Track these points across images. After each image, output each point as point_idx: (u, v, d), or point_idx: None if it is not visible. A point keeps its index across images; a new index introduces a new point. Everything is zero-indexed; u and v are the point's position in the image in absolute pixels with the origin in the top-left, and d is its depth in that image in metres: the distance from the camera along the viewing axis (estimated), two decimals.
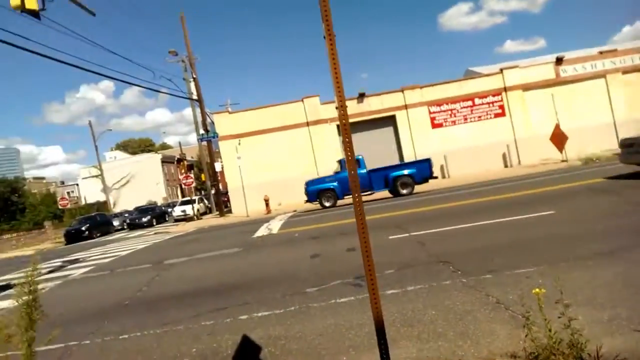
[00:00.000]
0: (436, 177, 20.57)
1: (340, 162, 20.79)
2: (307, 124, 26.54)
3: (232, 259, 10.03)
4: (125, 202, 54.49)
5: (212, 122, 28.02)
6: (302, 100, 26.68)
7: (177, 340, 4.99)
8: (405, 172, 19.48)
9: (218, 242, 13.73)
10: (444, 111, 26.75)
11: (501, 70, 27.00)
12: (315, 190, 20.13)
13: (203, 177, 34.64)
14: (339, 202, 20.15)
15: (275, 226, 15.19)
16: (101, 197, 53.45)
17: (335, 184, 19.96)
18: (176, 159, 66.50)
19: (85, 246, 21.99)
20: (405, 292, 5.32)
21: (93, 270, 11.89)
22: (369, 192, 19.55)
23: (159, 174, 65.40)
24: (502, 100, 26.72)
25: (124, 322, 6.12)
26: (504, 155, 26.37)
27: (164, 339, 5.14)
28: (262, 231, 14.25)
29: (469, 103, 26.73)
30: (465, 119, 26.72)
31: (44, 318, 3.17)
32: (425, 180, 19.69)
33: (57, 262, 14.98)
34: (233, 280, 7.71)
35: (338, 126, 25.85)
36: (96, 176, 50.18)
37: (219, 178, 31.12)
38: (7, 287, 10.61)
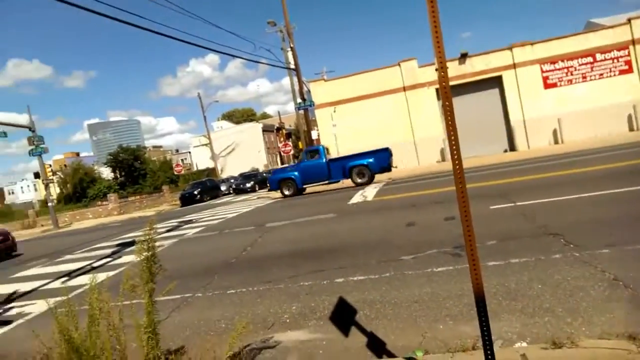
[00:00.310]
0: (395, 167, 20.50)
1: (304, 152, 21.37)
2: (404, 88, 25.74)
3: (328, 224, 10.28)
4: (231, 168, 58.24)
5: (309, 91, 28.43)
6: (399, 64, 25.84)
7: (278, 298, 5.29)
8: (362, 162, 19.55)
9: (315, 208, 14.13)
10: (559, 69, 24.14)
11: (629, 20, 23.47)
12: (276, 180, 20.88)
13: (300, 144, 35.62)
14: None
15: (370, 193, 15.20)
16: (210, 164, 57.77)
17: (295, 173, 20.38)
18: (275, 127, 69.10)
19: (197, 208, 24.04)
20: (508, 264, 5.02)
21: (204, 230, 12.98)
22: (326, 182, 20.08)
23: (260, 142, 68.55)
24: (629, 55, 23.35)
25: (231, 278, 6.64)
26: (629, 117, 23.25)
27: (267, 295, 5.48)
28: (357, 198, 14.35)
29: (589, 59, 23.77)
30: (584, 77, 23.89)
31: (163, 272, 3.53)
32: (384, 170, 19.63)
33: (173, 222, 16.60)
34: (329, 244, 7.91)
35: (437, 90, 24.70)
36: (205, 145, 54.20)
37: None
38: (133, 243, 12.03)
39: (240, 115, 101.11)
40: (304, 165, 20.33)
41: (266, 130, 71.23)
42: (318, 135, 29.25)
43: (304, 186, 20.41)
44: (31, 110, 28.26)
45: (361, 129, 25.88)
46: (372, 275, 5.51)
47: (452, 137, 2.74)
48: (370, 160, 19.58)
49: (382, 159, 19.51)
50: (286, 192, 20.46)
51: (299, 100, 27.52)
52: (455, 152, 2.76)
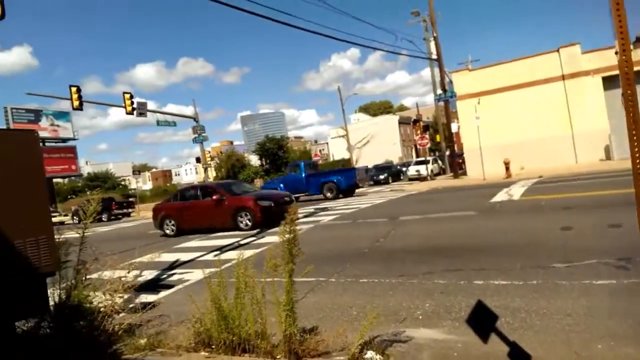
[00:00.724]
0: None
1: (289, 165, 25.62)
2: (563, 77, 22.98)
3: (466, 222, 9.72)
4: (365, 160, 58.97)
5: (450, 82, 27.17)
6: (558, 50, 23.12)
7: (411, 293, 5.15)
8: (332, 179, 22.62)
9: (451, 204, 13.50)
10: None
11: None
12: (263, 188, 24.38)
13: (438, 138, 34.35)
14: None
15: (516, 192, 13.97)
16: (346, 155, 59.27)
17: (281, 185, 23.45)
18: (412, 120, 67.70)
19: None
20: None
21: (338, 218, 13.34)
22: (305, 194, 23.26)
23: (396, 134, 67.99)
24: None
25: (363, 267, 6.69)
26: None
27: (399, 288, 5.39)
28: (500, 196, 13.31)
29: None
30: None
31: (302, 255, 3.69)
32: (352, 188, 22.72)
33: (310, 209, 17.41)
34: (468, 243, 7.47)
35: (603, 79, 21.54)
36: (342, 136, 55.74)
37: (454, 139, 30.31)
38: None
39: (377, 108, 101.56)
40: (288, 178, 24.22)
41: (402, 122, 70.31)
42: (458, 128, 27.87)
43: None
44: (195, 104, 32.31)
45: (508, 122, 23.88)
46: (516, 281, 5.03)
47: (634, 132, 2.31)
48: (339, 178, 22.65)
49: (349, 178, 22.65)
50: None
51: (439, 91, 26.50)
52: (637, 148, 2.32)
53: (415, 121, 44.86)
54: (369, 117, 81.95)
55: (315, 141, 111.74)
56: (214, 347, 3.97)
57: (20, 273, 3.43)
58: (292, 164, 26.27)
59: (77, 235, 4.43)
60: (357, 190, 23.71)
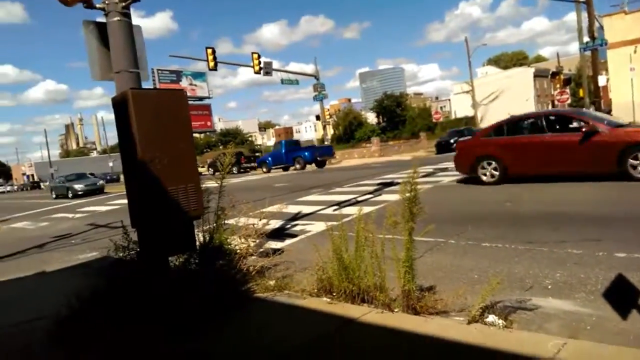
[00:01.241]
0: (321, 160, 29.42)
1: (275, 143, 35.66)
2: None
3: (610, 189, 8.66)
4: (492, 117, 54.93)
5: (601, 27, 23.58)
6: None
7: (540, 261, 4.84)
8: (300, 154, 29.46)
9: None
10: None
11: None
12: (260, 161, 33.20)
13: (581, 92, 30.44)
14: None
15: None
16: (470, 112, 55.86)
17: (269, 158, 31.66)
18: (551, 72, 60.83)
19: (452, 157, 23.85)
20: None
21: (458, 180, 12.84)
22: (285, 166, 30.12)
23: (530, 89, 61.79)
24: None
25: (486, 231, 6.41)
26: None
27: (525, 255, 5.09)
28: None
29: None
30: None
31: (422, 214, 3.67)
32: (316, 161, 29.08)
33: (428, 169, 16.98)
34: (611, 212, 6.70)
35: None
36: (467, 92, 52.39)
37: (601, 94, 26.57)
38: (391, 184, 12.91)
39: (509, 60, 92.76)
40: (273, 152, 32.40)
41: (538, 75, 63.49)
42: (607, 82, 24.37)
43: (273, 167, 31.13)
44: (316, 62, 32.87)
45: None
46: None
47: None
48: (305, 153, 29.48)
49: (312, 154, 29.35)
50: (264, 169, 31.77)
51: (586, 39, 23.24)
52: None
53: (555, 74, 40.22)
54: (499, 70, 75.46)
55: (436, 98, 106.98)
56: (334, 294, 4.21)
57: (174, 215, 3.97)
58: (276, 142, 36.25)
59: (215, 184, 4.94)
60: None
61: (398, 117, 62.51)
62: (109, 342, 3.58)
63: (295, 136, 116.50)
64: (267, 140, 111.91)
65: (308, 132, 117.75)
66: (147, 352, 3.47)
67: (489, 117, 55.67)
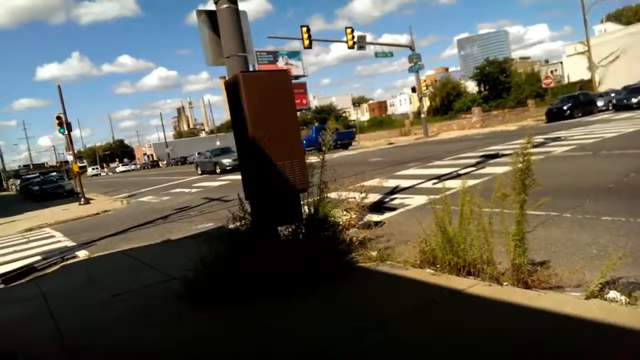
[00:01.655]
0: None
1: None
2: None
3: None
4: (612, 80, 48.94)
5: None
6: None
7: None
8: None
9: None
10: None
11: None
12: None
13: None
14: None
15: None
16: (586, 75, 50.24)
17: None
18: None
19: (565, 125, 21.83)
20: None
21: (574, 149, 11.76)
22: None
23: None
24: None
25: (607, 204, 5.88)
26: None
27: None
28: None
29: None
30: None
31: (535, 186, 3.49)
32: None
33: (538, 139, 15.74)
34: None
35: None
36: (582, 53, 47.03)
37: None
38: (496, 155, 12.23)
39: (633, 14, 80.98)
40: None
41: None
42: None
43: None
44: (411, 31, 31.68)
45: None
46: None
47: None
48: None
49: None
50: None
51: None
52: None
53: None
54: (620, 26, 66.38)
55: (546, 61, 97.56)
56: (438, 266, 4.21)
57: (282, 188, 4.23)
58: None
59: (316, 160, 5.13)
60: (596, 117, 20.29)
61: (502, 84, 58.16)
62: (230, 300, 4.00)
63: (390, 110, 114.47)
64: (361, 115, 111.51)
65: (403, 105, 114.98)
66: (263, 309, 3.81)
67: (608, 81, 49.69)
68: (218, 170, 24.29)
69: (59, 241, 10.19)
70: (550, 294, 3.42)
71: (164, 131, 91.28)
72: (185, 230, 9.02)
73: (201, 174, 25.54)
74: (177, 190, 19.27)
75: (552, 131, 18.84)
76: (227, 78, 4.32)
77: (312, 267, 4.26)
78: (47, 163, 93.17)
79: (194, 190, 17.94)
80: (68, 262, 7.61)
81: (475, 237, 3.90)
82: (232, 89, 4.12)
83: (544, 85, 42.21)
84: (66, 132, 18.94)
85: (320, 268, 4.30)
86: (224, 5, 4.22)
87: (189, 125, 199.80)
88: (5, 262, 8.27)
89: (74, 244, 9.43)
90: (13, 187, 58.62)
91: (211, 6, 4.51)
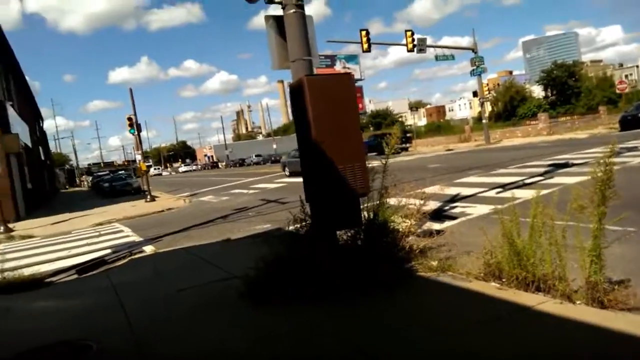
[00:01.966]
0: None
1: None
2: None
3: None
4: None
5: None
6: None
7: None
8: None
9: None
10: None
11: None
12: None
13: None
14: None
15: None
16: None
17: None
18: None
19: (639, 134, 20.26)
20: None
21: None
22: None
23: None
24: None
25: None
26: None
27: None
28: None
29: None
30: None
31: (616, 198, 3.25)
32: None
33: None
34: None
35: None
36: None
37: None
38: (566, 165, 11.55)
39: None
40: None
41: None
42: None
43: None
44: (474, 33, 30.75)
45: None
46: None
47: None
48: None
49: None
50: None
51: None
52: None
53: None
54: None
55: (620, 65, 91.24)
56: (504, 280, 4.02)
57: (343, 192, 4.22)
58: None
59: (374, 164, 5.06)
60: None
61: (570, 89, 55.02)
62: (290, 300, 4.04)
63: (448, 115, 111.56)
64: (418, 120, 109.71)
65: (462, 109, 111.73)
66: (322, 311, 3.81)
67: None
68: None
69: (127, 236, 10.79)
70: (628, 316, 3.17)
71: (224, 134, 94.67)
72: (244, 230, 9.25)
73: (289, 175, 23.12)
74: (236, 191, 19.85)
75: (627, 140, 17.54)
76: (291, 81, 4.38)
77: (371, 273, 4.21)
78: (115, 162, 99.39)
79: (251, 191, 18.40)
80: (136, 256, 8.04)
81: (547, 251, 3.69)
82: (296, 92, 4.17)
83: (617, 91, 39.35)
84: (136, 133, 20.09)
85: (378, 274, 4.25)
86: (291, 10, 4.30)
87: (247, 128, 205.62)
88: (79, 254, 8.86)
89: (141, 239, 9.95)
90: (85, 183, 63.05)
91: (278, 11, 4.60)
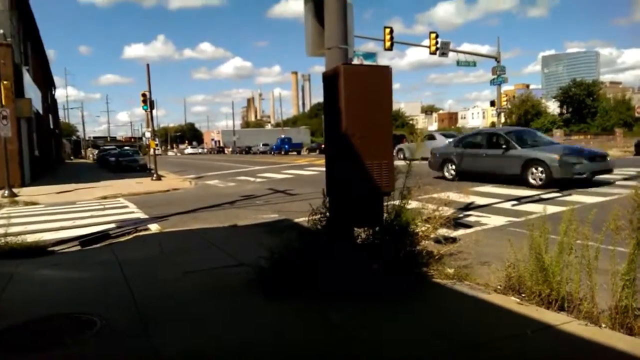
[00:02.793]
0: None
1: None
2: None
3: None
4: None
5: None
6: None
7: None
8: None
9: None
10: None
11: None
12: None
13: None
14: None
15: None
16: None
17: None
18: None
19: None
20: None
21: None
22: None
23: None
24: None
25: None
26: None
27: None
28: None
29: None
30: None
31: None
32: None
33: (630, 171, 14.48)
34: None
35: None
36: None
37: None
38: (583, 183, 11.32)
39: None
40: None
41: None
42: None
43: None
44: (498, 42, 30.35)
45: None
46: None
47: None
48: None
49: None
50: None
51: None
52: None
53: None
54: None
55: (639, 88, 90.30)
56: (524, 295, 3.88)
57: (367, 189, 4.07)
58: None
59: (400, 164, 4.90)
60: None
61: (587, 108, 54.50)
62: (301, 295, 3.91)
63: (460, 122, 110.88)
64: (429, 125, 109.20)
65: (475, 118, 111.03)
66: (335, 309, 3.68)
67: None
68: None
69: (132, 212, 10.69)
70: None
71: (233, 119, 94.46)
72: (251, 217, 9.12)
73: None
74: (242, 178, 19.73)
75: None
76: (325, 70, 4.22)
77: (387, 274, 4.08)
78: (124, 136, 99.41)
79: (258, 180, 18.27)
80: (141, 233, 7.93)
81: (576, 271, 3.53)
82: (330, 80, 4.02)
83: (637, 114, 38.96)
84: (149, 110, 19.97)
85: (395, 277, 4.11)
86: None
87: (256, 116, 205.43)
88: (82, 226, 8.76)
89: (146, 216, 9.84)
90: (90, 155, 63.08)
91: None
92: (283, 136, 62.65)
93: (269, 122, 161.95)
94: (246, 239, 6.87)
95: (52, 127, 38.25)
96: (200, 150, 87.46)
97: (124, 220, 9.40)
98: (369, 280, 4.01)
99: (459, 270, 4.67)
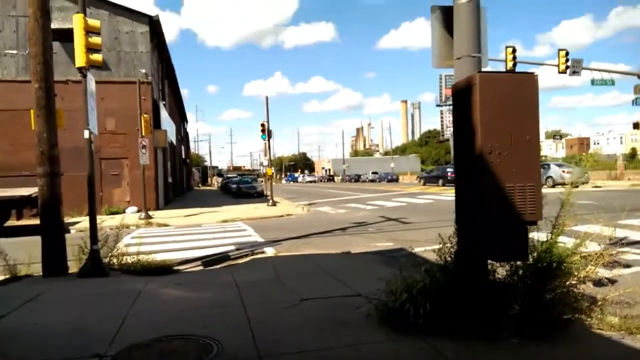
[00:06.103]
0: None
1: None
2: None
3: None
4: None
5: None
6: None
7: None
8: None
9: None
10: None
11: None
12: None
13: None
14: None
15: None
16: None
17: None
18: None
19: None
20: None
21: None
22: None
23: None
24: None
25: None
26: None
27: None
28: None
29: None
30: None
31: None
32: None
33: None
34: None
35: None
36: None
37: None
38: None
39: None
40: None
41: None
42: None
43: None
44: (626, 61, 26.71)
45: None
46: None
47: None
48: None
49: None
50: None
51: None
52: None
53: None
54: None
55: None
56: None
57: (507, 216, 3.46)
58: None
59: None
60: None
61: None
62: (430, 334, 3.41)
63: (592, 148, 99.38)
64: (555, 151, 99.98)
65: (610, 144, 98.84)
66: (469, 351, 3.11)
67: None
68: None
69: (250, 235, 11.01)
70: None
71: (343, 148, 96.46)
72: (363, 245, 8.77)
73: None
74: (352, 205, 19.56)
75: None
76: (454, 82, 3.78)
77: (530, 319, 3.42)
78: (244, 167, 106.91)
79: (369, 207, 17.93)
80: (257, 256, 8.02)
81: None
82: (462, 92, 3.56)
83: None
84: (267, 139, 20.99)
85: (542, 323, 3.42)
86: (464, 0, 3.71)
87: (364, 144, 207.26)
88: (205, 247, 9.20)
89: (262, 240, 10.03)
90: (215, 183, 68.70)
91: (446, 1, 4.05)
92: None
93: (377, 151, 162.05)
94: (360, 267, 6.53)
95: (183, 157, 42.45)
96: (310, 179, 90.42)
97: (242, 242, 9.68)
98: (502, 322, 3.40)
99: (626, 321, 3.77)
